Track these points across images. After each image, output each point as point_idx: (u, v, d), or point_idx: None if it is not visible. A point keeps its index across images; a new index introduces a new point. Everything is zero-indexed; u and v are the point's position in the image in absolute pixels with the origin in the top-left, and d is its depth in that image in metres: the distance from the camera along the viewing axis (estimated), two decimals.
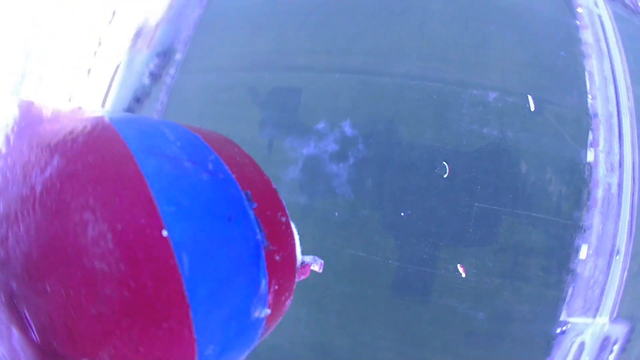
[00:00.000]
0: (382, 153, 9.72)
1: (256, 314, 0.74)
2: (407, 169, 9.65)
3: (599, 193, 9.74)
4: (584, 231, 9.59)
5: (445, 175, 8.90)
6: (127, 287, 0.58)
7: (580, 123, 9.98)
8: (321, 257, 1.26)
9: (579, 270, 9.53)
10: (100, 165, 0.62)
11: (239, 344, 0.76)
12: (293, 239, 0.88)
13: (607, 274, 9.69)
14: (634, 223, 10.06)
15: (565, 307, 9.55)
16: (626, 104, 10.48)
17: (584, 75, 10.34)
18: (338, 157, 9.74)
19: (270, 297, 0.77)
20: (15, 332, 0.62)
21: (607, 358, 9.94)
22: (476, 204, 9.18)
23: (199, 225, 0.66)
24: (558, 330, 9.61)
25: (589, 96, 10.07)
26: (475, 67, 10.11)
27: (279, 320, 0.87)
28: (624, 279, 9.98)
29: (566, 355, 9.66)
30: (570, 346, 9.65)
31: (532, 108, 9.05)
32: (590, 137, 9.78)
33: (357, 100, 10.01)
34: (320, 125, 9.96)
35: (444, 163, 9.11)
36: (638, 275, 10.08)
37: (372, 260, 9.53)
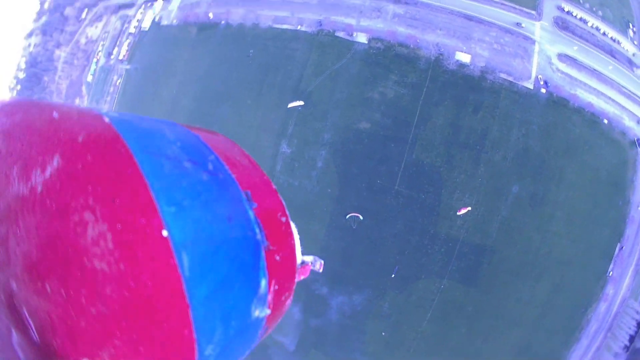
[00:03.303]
0: None
1: (256, 314, 0.74)
2: None
3: None
4: None
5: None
6: (127, 287, 0.58)
7: None
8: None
9: None
10: (100, 165, 0.62)
11: (239, 344, 0.76)
12: (293, 239, 0.88)
13: None
14: None
15: None
16: None
17: None
18: None
19: (270, 297, 0.77)
20: (15, 333, 0.62)
21: None
22: None
23: (199, 225, 0.66)
24: None
25: None
26: None
27: (279, 320, 0.87)
28: None
29: None
30: None
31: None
32: None
33: None
34: None
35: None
36: None
37: None
